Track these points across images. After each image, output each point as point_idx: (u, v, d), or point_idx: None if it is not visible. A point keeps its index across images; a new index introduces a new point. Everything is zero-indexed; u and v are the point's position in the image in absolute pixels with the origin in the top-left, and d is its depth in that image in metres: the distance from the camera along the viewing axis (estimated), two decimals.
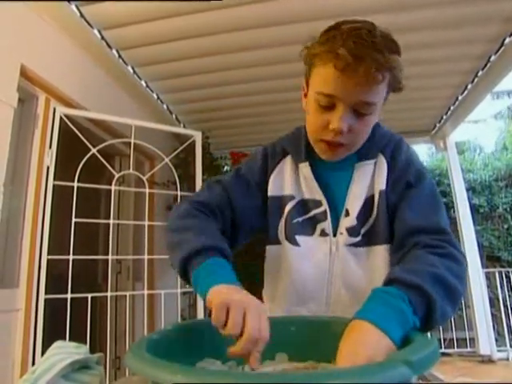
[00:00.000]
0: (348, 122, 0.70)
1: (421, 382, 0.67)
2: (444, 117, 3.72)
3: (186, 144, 2.64)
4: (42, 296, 1.85)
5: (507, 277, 4.47)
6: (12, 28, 1.79)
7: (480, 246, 4.05)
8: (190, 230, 0.72)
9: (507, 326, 4.09)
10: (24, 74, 1.83)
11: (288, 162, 0.87)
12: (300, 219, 0.83)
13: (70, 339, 1.72)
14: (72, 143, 2.12)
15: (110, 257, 2.18)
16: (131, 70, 2.73)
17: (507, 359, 3.68)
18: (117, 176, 2.31)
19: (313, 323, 0.69)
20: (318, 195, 0.82)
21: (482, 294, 3.65)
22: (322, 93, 0.71)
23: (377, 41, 0.66)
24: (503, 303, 4.24)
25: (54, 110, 2.05)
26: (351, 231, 0.79)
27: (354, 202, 0.80)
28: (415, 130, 4.00)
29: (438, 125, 3.92)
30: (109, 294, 2.15)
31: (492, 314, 3.84)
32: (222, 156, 3.97)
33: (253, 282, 0.94)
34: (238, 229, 0.82)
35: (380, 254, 0.77)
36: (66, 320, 1.88)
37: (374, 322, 0.50)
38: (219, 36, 2.40)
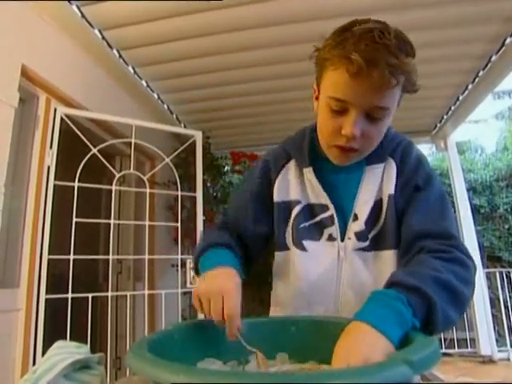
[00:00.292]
0: (361, 126, 0.69)
1: (422, 382, 0.67)
2: (445, 117, 3.71)
3: (186, 144, 2.64)
4: (43, 296, 1.85)
5: (508, 277, 4.47)
6: (12, 28, 1.79)
7: (481, 247, 4.04)
8: (199, 244, 0.83)
9: (508, 326, 4.08)
10: (25, 74, 1.83)
11: (292, 166, 0.86)
12: (307, 224, 0.82)
13: (70, 339, 1.72)
14: (73, 143, 2.12)
15: (110, 257, 2.19)
16: (132, 70, 2.73)
17: (508, 359, 3.68)
18: (117, 176, 2.31)
19: (313, 323, 0.69)
20: (324, 200, 0.81)
21: (482, 294, 3.64)
22: (334, 97, 0.69)
23: (390, 43, 0.63)
24: (504, 303, 4.24)
25: (55, 110, 2.06)
26: (359, 236, 0.78)
27: (362, 207, 0.79)
28: (416, 129, 3.99)
29: (438, 125, 3.92)
30: (109, 293, 2.15)
31: (493, 315, 3.84)
32: (222, 156, 3.97)
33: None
34: (252, 243, 0.87)
35: (388, 258, 0.76)
36: (67, 320, 1.88)
37: (372, 323, 0.50)
38: (220, 36, 2.40)
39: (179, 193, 2.50)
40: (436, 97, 3.29)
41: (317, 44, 0.73)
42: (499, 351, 3.68)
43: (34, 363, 1.76)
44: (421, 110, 3.57)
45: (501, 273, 4.45)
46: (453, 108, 3.48)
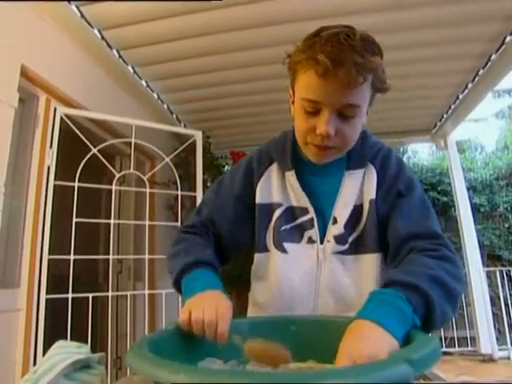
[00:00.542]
0: (334, 125, 0.71)
1: (422, 381, 0.67)
2: (445, 115, 3.71)
3: (186, 144, 2.64)
4: (43, 296, 1.85)
5: (508, 275, 4.47)
6: (12, 28, 1.79)
7: (481, 245, 4.05)
8: (179, 253, 0.80)
9: (508, 324, 4.08)
10: (24, 74, 1.83)
11: (274, 169, 0.87)
12: (288, 226, 0.83)
13: (71, 339, 1.71)
14: (72, 143, 2.12)
15: (110, 256, 2.19)
16: (131, 70, 2.73)
17: (508, 358, 3.68)
18: (117, 176, 2.32)
19: (313, 323, 0.69)
20: (305, 203, 0.82)
21: (482, 292, 3.65)
22: (306, 99, 0.72)
23: (356, 44, 0.66)
24: (504, 302, 4.24)
25: (55, 109, 2.06)
26: (339, 239, 0.79)
27: (342, 210, 0.80)
28: (416, 128, 3.99)
29: (438, 123, 3.91)
30: (110, 293, 2.15)
31: (493, 313, 3.84)
32: (222, 155, 3.97)
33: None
34: (226, 243, 0.87)
35: (368, 262, 0.78)
36: (67, 320, 1.88)
37: (376, 321, 0.51)
38: (219, 36, 2.40)
39: (179, 192, 2.50)
40: (436, 96, 3.29)
41: (288, 50, 0.77)
42: (499, 350, 3.68)
43: (34, 363, 1.76)
44: (421, 109, 3.57)
45: (501, 271, 4.46)
46: (453, 107, 3.48)
